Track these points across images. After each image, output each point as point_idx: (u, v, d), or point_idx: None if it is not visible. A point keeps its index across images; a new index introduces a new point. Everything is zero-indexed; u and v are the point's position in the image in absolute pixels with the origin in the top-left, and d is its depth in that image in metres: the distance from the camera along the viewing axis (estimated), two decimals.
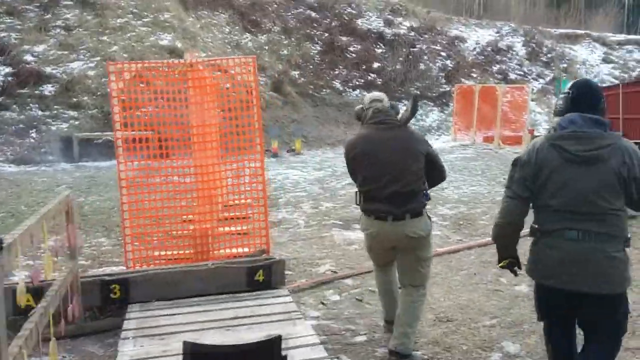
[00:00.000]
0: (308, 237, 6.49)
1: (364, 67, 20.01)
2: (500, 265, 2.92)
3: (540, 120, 19.98)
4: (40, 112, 13.78)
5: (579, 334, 2.86)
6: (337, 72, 19.43)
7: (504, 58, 23.64)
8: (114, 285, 4.13)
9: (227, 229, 5.06)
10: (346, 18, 21.81)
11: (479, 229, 6.76)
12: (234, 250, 4.76)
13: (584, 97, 2.66)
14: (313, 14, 21.27)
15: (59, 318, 3.33)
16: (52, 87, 14.30)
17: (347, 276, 5.07)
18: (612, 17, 33.28)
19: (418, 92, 18.80)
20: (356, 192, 3.54)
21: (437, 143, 15.28)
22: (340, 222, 7.14)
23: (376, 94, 3.66)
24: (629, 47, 26.25)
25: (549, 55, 24.31)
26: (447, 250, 5.82)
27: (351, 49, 20.54)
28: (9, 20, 15.50)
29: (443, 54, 22.41)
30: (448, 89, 20.28)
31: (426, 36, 22.81)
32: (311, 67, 19.21)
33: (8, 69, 14.22)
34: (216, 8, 19.12)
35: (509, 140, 15.81)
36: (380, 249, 3.54)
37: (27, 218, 2.96)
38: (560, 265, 2.60)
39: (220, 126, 5.01)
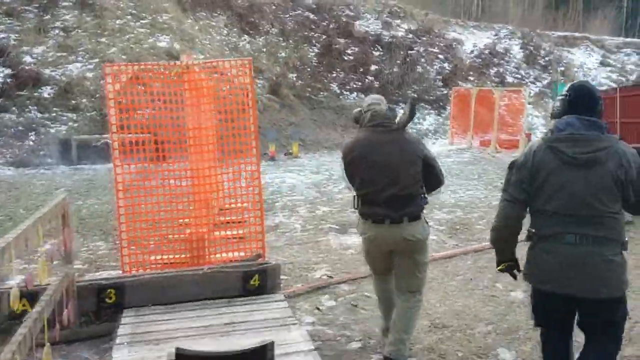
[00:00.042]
0: (304, 242, 6.49)
1: (361, 70, 20.05)
2: (499, 268, 2.92)
3: (538, 124, 20.03)
4: (38, 115, 13.78)
5: (576, 341, 2.87)
6: (334, 75, 19.46)
7: (502, 61, 23.71)
8: (109, 290, 4.12)
9: (223, 233, 5.05)
10: (344, 20, 21.85)
11: (476, 234, 6.77)
12: (230, 255, 4.75)
13: (582, 100, 2.67)
14: (311, 17, 21.30)
15: (54, 323, 3.33)
16: (51, 89, 14.30)
17: (342, 281, 5.07)
18: (611, 20, 33.38)
19: (415, 96, 18.84)
20: (353, 196, 3.53)
21: (434, 147, 15.30)
22: (337, 227, 7.14)
23: (374, 97, 3.65)
24: (627, 50, 26.35)
25: (547, 59, 24.38)
26: (443, 256, 5.82)
27: (349, 51, 20.57)
28: (8, 22, 15.50)
29: (440, 57, 22.46)
30: (445, 92, 20.32)
31: (424, 39, 22.85)
32: (309, 69, 19.23)
33: (7, 71, 14.22)
34: (214, 10, 19.15)
35: (506, 144, 15.85)
36: (377, 253, 3.53)
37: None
38: (558, 269, 2.60)
39: (217, 129, 5.00)
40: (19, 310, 3.33)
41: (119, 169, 4.46)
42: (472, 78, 22.02)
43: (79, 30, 15.82)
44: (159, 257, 4.76)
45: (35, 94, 14.01)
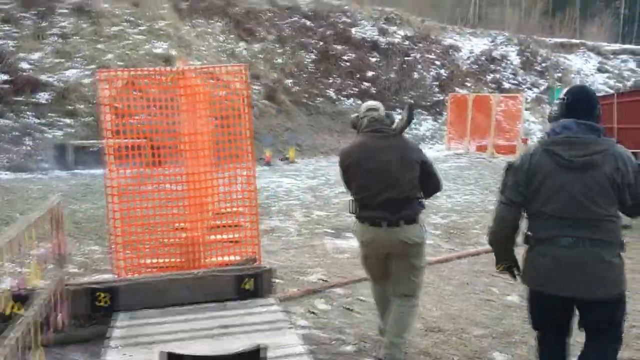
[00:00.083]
0: (299, 246, 6.48)
1: (358, 75, 20.09)
2: (498, 269, 2.92)
3: (535, 129, 20.06)
4: (35, 120, 13.77)
5: (576, 341, 2.86)
6: (331, 81, 19.49)
7: (498, 67, 23.79)
8: (102, 293, 4.10)
9: (217, 237, 5.04)
10: (341, 27, 21.92)
11: (471, 238, 6.76)
12: (224, 259, 4.73)
13: (580, 103, 2.67)
14: (308, 23, 21.37)
15: (47, 326, 3.31)
16: (48, 94, 14.30)
17: (337, 285, 5.05)
18: (608, 27, 33.56)
19: (412, 101, 18.87)
20: (350, 200, 3.54)
21: (431, 152, 15.31)
22: (332, 231, 7.13)
23: (372, 103, 3.67)
24: (624, 56, 26.46)
25: (544, 65, 24.47)
26: (439, 260, 5.81)
27: (345, 57, 20.62)
28: (5, 28, 15.52)
29: (437, 63, 22.53)
30: (442, 98, 20.37)
31: (420, 45, 22.93)
32: (305, 75, 19.27)
33: (4, 77, 14.22)
34: (211, 16, 19.20)
35: (503, 150, 15.87)
36: (374, 256, 3.52)
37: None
38: (556, 271, 2.59)
39: (212, 134, 5.00)
40: (10, 313, 3.32)
41: (112, 173, 4.45)
42: (469, 84, 22.09)
43: (76, 37, 15.85)
44: (152, 260, 4.74)
45: (32, 99, 14.01)
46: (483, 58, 23.80)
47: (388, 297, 3.63)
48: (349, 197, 3.57)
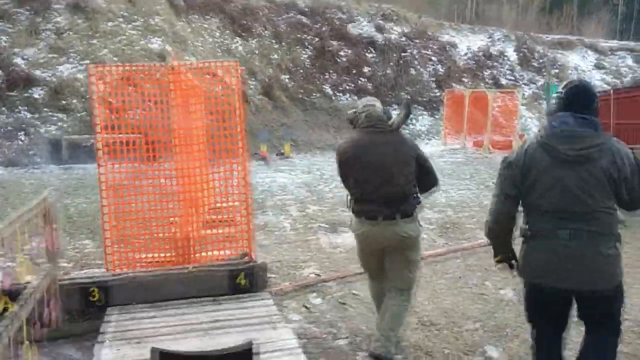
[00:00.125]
0: (293, 241, 6.46)
1: (354, 72, 20.04)
2: (496, 260, 2.92)
3: (531, 125, 20.07)
4: (29, 115, 13.71)
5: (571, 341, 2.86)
6: (327, 77, 19.44)
7: (496, 63, 23.78)
8: (93, 289, 4.08)
9: (210, 232, 5.01)
10: (337, 23, 21.85)
11: (466, 233, 6.75)
12: (217, 254, 4.71)
13: (577, 97, 2.66)
14: (304, 19, 21.29)
15: (36, 322, 3.29)
16: (42, 90, 14.23)
17: (331, 280, 5.04)
18: (605, 24, 33.58)
19: (409, 97, 18.86)
20: (347, 195, 3.55)
21: (427, 147, 15.30)
22: (327, 226, 7.11)
23: (369, 99, 3.69)
24: (621, 53, 26.47)
25: (541, 61, 24.45)
26: (433, 254, 5.80)
27: (342, 54, 20.56)
28: None
29: (434, 59, 22.50)
30: (439, 94, 20.34)
31: (417, 41, 22.88)
32: (301, 71, 19.21)
33: None
34: (207, 13, 19.10)
35: (499, 145, 15.86)
36: (370, 251, 3.53)
37: None
38: (554, 264, 2.59)
39: (203, 130, 4.97)
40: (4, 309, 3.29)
41: (102, 168, 4.42)
42: (466, 80, 22.07)
43: (71, 32, 15.76)
44: (144, 255, 4.71)
45: (26, 94, 13.94)
46: (480, 54, 23.79)
47: (385, 294, 3.63)
48: (345, 192, 3.58)
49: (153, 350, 2.27)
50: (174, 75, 4.51)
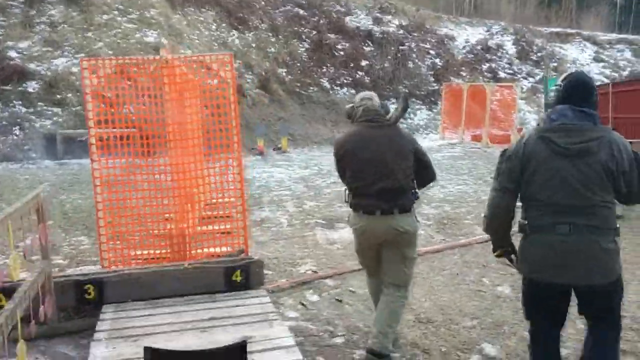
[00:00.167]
0: (290, 237, 6.42)
1: (352, 65, 19.95)
2: (495, 254, 2.91)
3: (530, 119, 20.02)
4: (23, 109, 13.61)
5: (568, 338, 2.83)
6: (324, 70, 19.35)
7: (494, 57, 23.70)
8: (88, 286, 4.05)
9: (205, 228, 4.98)
10: (334, 16, 21.75)
11: (463, 229, 6.72)
12: (212, 250, 4.68)
13: (576, 90, 2.64)
14: (301, 12, 21.18)
15: (30, 319, 3.26)
16: (36, 84, 14.12)
17: (327, 276, 5.01)
18: (604, 17, 33.51)
19: (407, 91, 18.80)
20: (345, 190, 3.55)
21: (425, 142, 15.27)
22: (324, 222, 7.07)
23: (367, 93, 3.69)
24: (620, 46, 26.39)
25: (539, 54, 24.39)
26: (430, 250, 5.77)
27: (339, 47, 20.46)
28: None
29: (432, 52, 22.42)
30: (437, 87, 20.28)
31: (415, 34, 22.79)
32: (299, 65, 19.12)
33: None
34: (203, 5, 18.97)
35: (498, 139, 15.81)
36: (368, 246, 3.52)
37: None
38: (552, 259, 2.58)
39: (197, 124, 4.92)
40: None
41: (96, 164, 4.37)
42: (464, 73, 22.01)
43: (65, 25, 15.63)
44: (139, 252, 4.68)
45: (20, 88, 13.83)
46: (478, 48, 23.71)
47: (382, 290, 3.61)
48: (343, 187, 3.58)
49: (145, 349, 2.24)
50: (168, 68, 4.45)
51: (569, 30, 27.54)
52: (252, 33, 19.25)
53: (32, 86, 14.04)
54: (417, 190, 3.47)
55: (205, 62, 4.70)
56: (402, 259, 3.44)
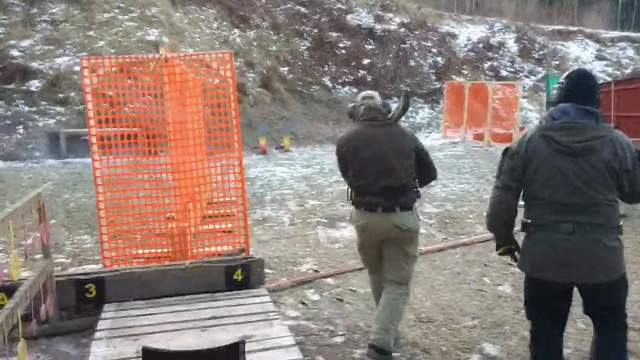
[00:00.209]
0: (292, 235, 6.43)
1: (353, 63, 19.92)
2: (498, 252, 2.90)
3: (532, 117, 19.97)
4: (26, 108, 13.63)
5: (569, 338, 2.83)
6: (326, 69, 19.33)
7: (496, 55, 23.63)
8: (89, 285, 4.06)
9: (206, 227, 4.98)
10: (336, 14, 21.71)
11: (465, 228, 6.71)
12: (214, 249, 4.68)
13: (578, 88, 2.63)
14: (302, 10, 21.15)
15: (31, 318, 3.27)
16: (39, 82, 14.14)
17: (328, 275, 5.01)
18: (606, 14, 33.37)
19: (408, 89, 18.77)
20: (347, 188, 3.58)
21: (427, 140, 15.25)
22: (325, 220, 7.08)
23: (369, 92, 3.72)
24: (622, 44, 26.28)
25: (541, 52, 24.31)
26: (432, 249, 5.77)
27: (341, 45, 20.43)
28: None
29: (434, 50, 22.37)
30: (439, 85, 20.23)
31: (417, 32, 22.74)
32: (300, 63, 19.10)
33: None
34: (204, 3, 18.96)
35: (500, 138, 15.78)
36: (370, 243, 3.53)
37: None
38: (552, 257, 2.57)
39: (198, 123, 4.92)
40: None
41: (97, 163, 4.38)
42: (466, 72, 21.95)
43: (67, 24, 15.64)
44: (141, 251, 4.69)
45: (23, 87, 13.86)
46: (480, 45, 23.65)
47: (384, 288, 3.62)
48: (345, 186, 3.60)
49: (143, 348, 2.24)
50: (168, 67, 4.45)
51: (571, 28, 27.44)
52: (253, 31, 19.24)
53: (34, 85, 14.07)
54: (419, 189, 3.49)
55: (204, 60, 4.70)
56: (403, 257, 3.46)
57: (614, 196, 2.55)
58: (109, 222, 4.57)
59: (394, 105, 3.60)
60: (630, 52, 25.68)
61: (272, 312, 3.76)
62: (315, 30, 20.48)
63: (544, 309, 2.75)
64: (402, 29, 22.47)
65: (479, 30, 25.00)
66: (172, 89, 4.49)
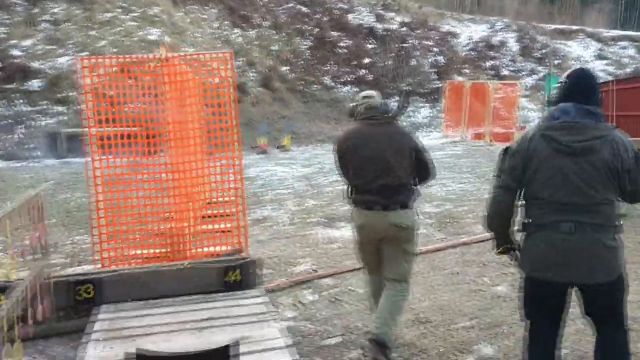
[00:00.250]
0: (290, 235, 6.42)
1: (354, 62, 19.93)
2: (497, 252, 2.89)
3: (533, 117, 19.94)
4: (27, 108, 13.66)
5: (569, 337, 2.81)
6: (327, 68, 19.34)
7: (497, 54, 23.62)
8: (86, 285, 4.05)
9: (203, 227, 4.97)
10: (337, 13, 21.72)
11: (464, 227, 6.70)
12: (211, 249, 4.67)
13: (579, 87, 2.61)
14: (304, 9, 21.15)
15: (28, 318, 3.26)
16: (39, 82, 14.17)
17: (326, 275, 5.00)
18: (607, 13, 33.30)
19: (409, 88, 18.75)
20: (346, 186, 3.59)
21: (427, 139, 15.23)
22: (324, 220, 7.06)
23: (369, 91, 3.75)
24: (623, 43, 26.25)
25: (542, 52, 24.27)
26: (430, 249, 5.75)
27: (342, 44, 20.44)
28: None
29: (435, 49, 22.36)
30: (439, 85, 20.22)
31: (418, 31, 22.73)
32: (301, 62, 19.11)
33: None
34: (206, 3, 18.98)
35: (500, 137, 15.76)
36: (368, 241, 3.54)
37: None
38: (552, 257, 2.55)
39: (197, 122, 4.91)
40: None
41: (93, 163, 4.37)
42: (467, 71, 21.94)
43: (68, 23, 15.67)
44: (138, 251, 4.67)
45: (23, 87, 13.88)
46: (481, 45, 23.62)
47: (382, 290, 3.60)
48: (344, 184, 3.61)
49: (137, 349, 2.24)
50: (167, 66, 4.44)
51: (573, 27, 27.41)
52: (254, 30, 19.24)
53: (35, 85, 14.09)
54: (417, 187, 3.50)
55: (204, 60, 4.69)
56: (402, 255, 3.47)
57: (613, 196, 2.54)
58: (107, 223, 4.56)
59: (394, 105, 3.62)
60: (631, 51, 25.63)
61: (269, 312, 3.74)
62: (317, 30, 20.48)
63: (544, 309, 2.74)
64: (403, 28, 22.46)
65: (480, 29, 24.98)
66: (171, 88, 4.48)
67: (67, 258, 5.61)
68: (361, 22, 21.98)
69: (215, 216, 5.11)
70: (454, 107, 17.45)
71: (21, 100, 13.70)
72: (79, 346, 3.34)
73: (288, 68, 18.55)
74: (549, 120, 2.62)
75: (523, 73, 22.88)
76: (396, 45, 21.12)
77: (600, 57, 25.04)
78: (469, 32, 24.52)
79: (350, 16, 21.95)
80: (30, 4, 15.80)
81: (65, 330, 3.91)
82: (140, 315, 3.75)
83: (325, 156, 12.59)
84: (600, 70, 23.34)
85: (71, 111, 13.84)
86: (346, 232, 6.32)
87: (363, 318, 4.05)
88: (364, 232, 3.52)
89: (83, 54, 14.76)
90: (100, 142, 4.46)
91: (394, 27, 22.25)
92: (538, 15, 29.77)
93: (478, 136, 16.29)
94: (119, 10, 16.54)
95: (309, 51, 19.68)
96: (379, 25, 22.02)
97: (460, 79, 20.19)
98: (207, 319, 3.66)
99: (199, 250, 4.67)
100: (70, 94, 14.10)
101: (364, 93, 3.69)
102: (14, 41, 14.82)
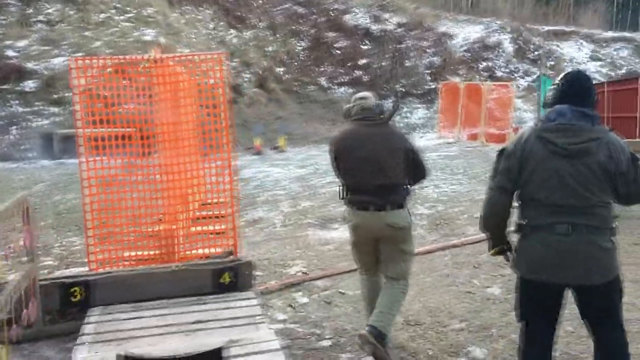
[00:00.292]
0: (283, 237, 6.41)
1: (350, 63, 19.94)
2: (492, 253, 2.88)
3: (527, 118, 19.99)
4: (21, 109, 13.61)
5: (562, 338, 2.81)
6: (323, 69, 19.34)
7: (491, 55, 23.67)
8: (74, 288, 4.03)
9: (195, 229, 4.96)
10: (333, 14, 21.72)
11: (456, 229, 6.70)
12: (203, 251, 4.65)
13: (573, 89, 2.62)
14: (299, 10, 21.15)
15: (15, 322, 3.24)
16: (34, 83, 14.12)
17: (318, 277, 5.00)
18: (601, 14, 33.40)
19: (403, 90, 18.78)
20: (340, 187, 3.60)
21: (422, 141, 15.26)
22: (317, 222, 7.06)
23: (363, 93, 3.76)
24: (617, 44, 26.32)
25: (537, 53, 24.33)
26: (421, 251, 5.73)
27: (338, 45, 20.45)
28: None
29: (430, 50, 22.38)
30: (434, 86, 20.25)
31: (413, 33, 22.75)
32: (297, 63, 19.11)
33: None
34: (201, 4, 18.96)
35: (494, 138, 15.79)
36: (364, 241, 3.55)
37: None
38: (548, 259, 2.56)
39: (189, 124, 4.90)
40: None
41: (84, 164, 4.35)
42: (461, 72, 21.98)
43: (63, 24, 15.63)
44: (128, 253, 4.65)
45: (18, 87, 13.84)
46: (476, 46, 23.67)
47: (377, 291, 3.62)
48: (339, 184, 3.63)
49: (118, 356, 2.22)
50: (158, 67, 4.43)
51: (566, 29, 27.48)
52: (250, 31, 19.24)
53: (29, 85, 14.04)
54: (410, 186, 3.52)
55: (197, 61, 4.68)
56: (400, 254, 3.49)
57: (609, 198, 2.55)
58: (96, 225, 4.54)
59: (390, 106, 3.64)
60: (625, 52, 25.72)
61: (259, 315, 3.73)
62: (312, 31, 20.49)
63: (540, 310, 2.73)
64: (399, 29, 22.49)
65: (474, 30, 25.03)
66: (164, 89, 4.47)
67: (55, 261, 5.59)
68: (357, 23, 21.99)
69: (209, 217, 5.10)
70: (450, 108, 17.48)
71: (16, 101, 13.65)
72: (73, 349, 3.31)
73: (284, 69, 18.55)
74: (544, 122, 2.62)
75: (517, 74, 22.94)
76: (392, 47, 21.15)
77: (594, 58, 25.12)
78: (464, 33, 24.56)
79: (346, 17, 21.96)
80: (25, 4, 15.76)
81: (52, 333, 3.89)
82: (132, 318, 3.73)
83: (321, 157, 12.58)
84: (594, 71, 23.39)
85: (66, 112, 13.78)
86: (338, 234, 6.33)
87: (353, 321, 4.05)
88: (358, 232, 3.53)
89: (78, 54, 14.73)
90: (94, 143, 4.44)
91: (390, 28, 22.27)
92: (533, 17, 29.84)
93: (473, 137, 16.32)
94: (114, 11, 16.52)
95: (304, 52, 19.68)
96: (374, 26, 22.04)
97: (455, 80, 20.22)
98: (196, 322, 3.64)
99: (192, 252, 4.66)
100: (65, 94, 14.04)
101: (358, 94, 3.70)
102: (9, 42, 14.78)
